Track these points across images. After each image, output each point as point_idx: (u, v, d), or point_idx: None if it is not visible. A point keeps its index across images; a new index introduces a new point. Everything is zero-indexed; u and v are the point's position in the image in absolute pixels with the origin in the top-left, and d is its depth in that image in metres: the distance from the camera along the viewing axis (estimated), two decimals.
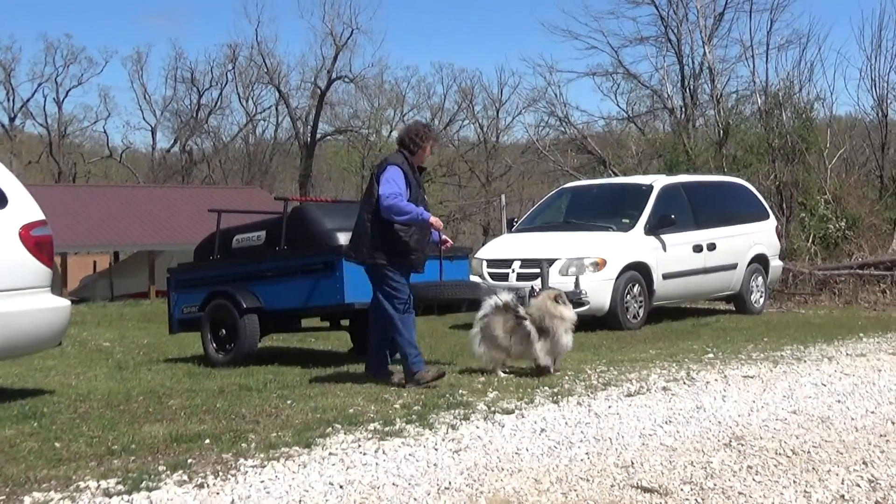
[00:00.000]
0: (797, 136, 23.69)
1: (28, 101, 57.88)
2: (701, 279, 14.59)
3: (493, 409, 7.07)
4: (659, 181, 14.98)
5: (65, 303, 7.91)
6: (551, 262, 12.73)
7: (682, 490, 5.05)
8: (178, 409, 7.19)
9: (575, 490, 5.07)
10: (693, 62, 28.94)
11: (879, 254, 19.99)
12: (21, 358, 8.77)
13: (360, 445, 5.96)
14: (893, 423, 6.74)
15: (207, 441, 6.04)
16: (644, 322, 13.50)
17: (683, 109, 29.10)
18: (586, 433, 6.33)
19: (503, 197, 28.62)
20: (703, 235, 14.61)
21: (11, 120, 57.36)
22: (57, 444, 6.02)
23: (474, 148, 55.92)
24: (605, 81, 36.07)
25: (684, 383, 8.26)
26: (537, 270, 12.30)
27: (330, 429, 6.40)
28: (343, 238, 9.47)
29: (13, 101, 57.16)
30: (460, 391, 7.78)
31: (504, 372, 8.68)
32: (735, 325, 13.60)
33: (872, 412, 7.10)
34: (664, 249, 13.92)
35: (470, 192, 53.31)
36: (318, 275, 9.54)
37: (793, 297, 18.14)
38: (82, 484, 5.10)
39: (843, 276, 18.52)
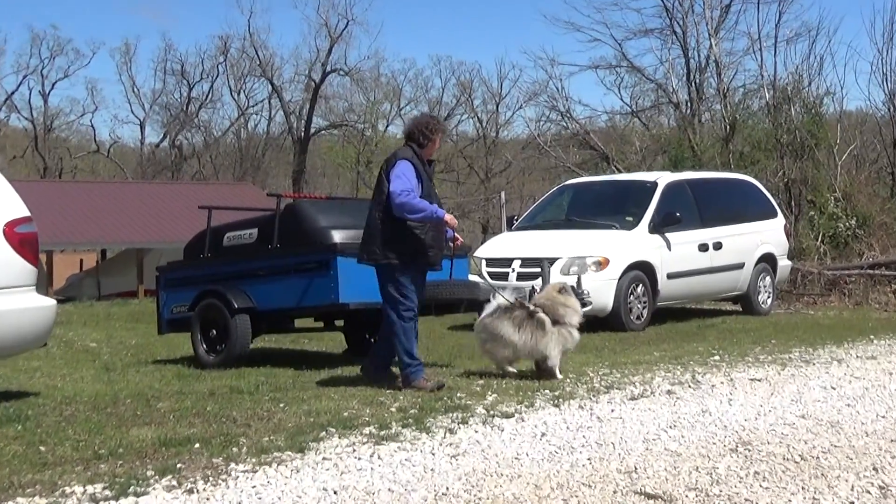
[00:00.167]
0: (806, 132, 23.69)
1: (13, 93, 57.92)
2: (707, 279, 14.59)
3: (492, 412, 7.07)
4: (663, 178, 14.98)
5: (50, 302, 7.91)
6: (552, 261, 12.75)
7: (686, 497, 5.05)
8: (167, 412, 7.19)
9: (576, 496, 5.07)
10: (699, 55, 28.98)
11: (891, 253, 19.98)
12: (5, 359, 8.76)
13: (354, 450, 5.96)
14: None
15: (197, 445, 6.04)
16: (648, 323, 13.51)
17: (689, 104, 29.10)
18: (588, 438, 6.33)
19: (503, 194, 28.58)
20: (708, 234, 14.61)
21: None
22: (42, 448, 6.01)
23: (473, 143, 56.01)
24: (608, 75, 36.04)
25: (689, 386, 8.27)
26: (538, 270, 12.33)
27: (324, 433, 6.39)
28: (338, 236, 9.48)
29: None
30: (458, 394, 7.78)
31: (510, 372, 8.65)
32: (742, 326, 13.61)
33: (883, 416, 7.11)
34: (669, 248, 13.93)
35: (469, 189, 53.37)
36: (311, 274, 9.55)
37: (801, 298, 18.15)
38: (68, 489, 5.10)
39: (853, 277, 18.52)
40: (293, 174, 53.42)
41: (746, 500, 5.00)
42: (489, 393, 7.82)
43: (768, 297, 15.75)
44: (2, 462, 5.67)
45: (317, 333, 11.94)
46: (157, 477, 5.32)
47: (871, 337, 12.10)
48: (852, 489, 5.19)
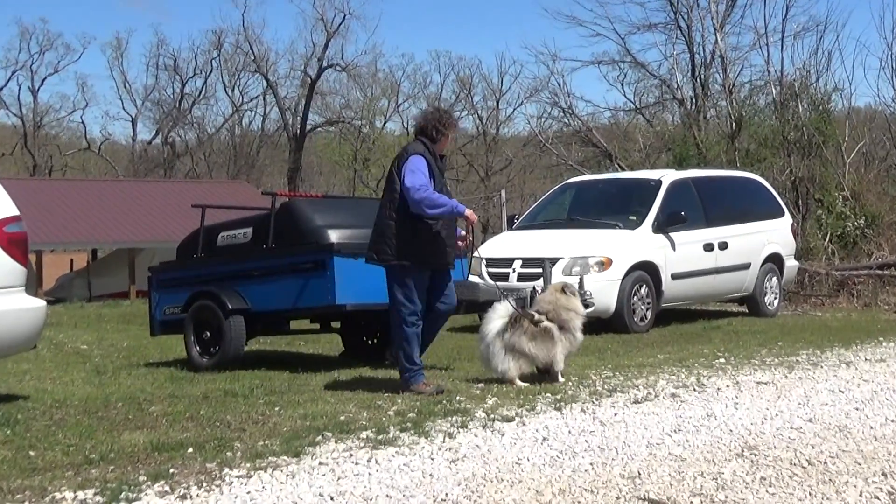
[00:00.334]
0: (814, 129, 23.69)
1: (1, 89, 58.00)
2: (712, 280, 14.60)
3: (492, 416, 7.08)
4: (668, 176, 14.99)
5: (40, 303, 7.90)
6: (554, 261, 12.76)
7: (691, 502, 5.06)
8: (160, 416, 7.19)
9: (578, 502, 5.07)
10: (704, 50, 28.96)
11: None
12: None
13: (351, 454, 5.96)
14: None
15: (190, 450, 6.04)
16: (652, 325, 13.51)
17: (694, 100, 29.10)
18: (591, 442, 6.34)
19: (503, 192, 28.57)
20: (714, 233, 14.62)
21: None
22: (31, 453, 6.01)
23: (473, 140, 56.01)
24: (611, 70, 36.07)
25: (694, 390, 8.27)
26: (539, 270, 12.34)
27: (320, 437, 6.40)
28: (335, 235, 9.48)
29: None
30: (458, 397, 7.78)
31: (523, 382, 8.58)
32: (748, 328, 13.62)
33: (893, 420, 7.11)
34: (673, 248, 13.93)
35: (468, 187, 53.36)
36: (307, 274, 9.54)
37: (809, 299, 18.16)
38: (58, 495, 5.10)
39: (861, 277, 18.54)
40: (288, 172, 53.43)
41: None
42: (489, 396, 7.83)
43: (775, 299, 15.76)
44: None
45: (313, 335, 11.93)
46: (149, 482, 5.32)
47: (881, 339, 12.11)
48: (861, 495, 5.20)
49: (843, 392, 8.22)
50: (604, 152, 29.37)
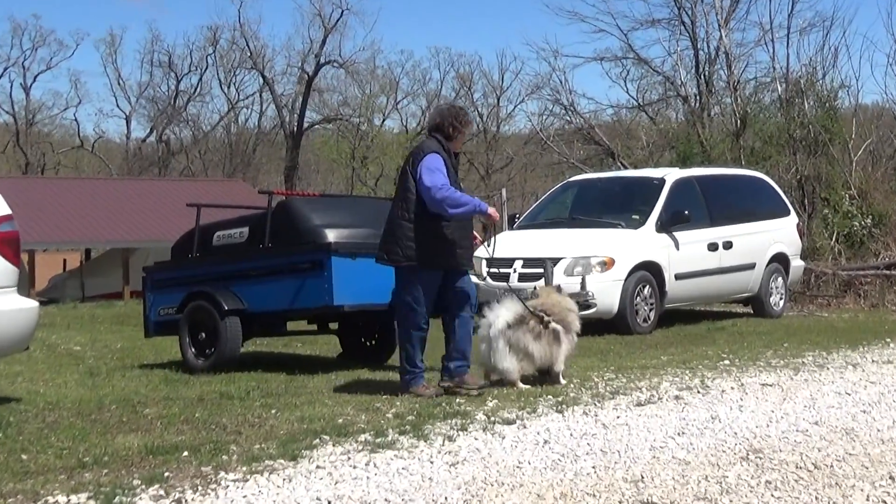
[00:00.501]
0: (820, 127, 23.71)
1: None
2: (716, 280, 14.60)
3: (492, 419, 7.08)
4: (671, 174, 15.00)
5: (32, 304, 7.90)
6: (556, 261, 12.76)
7: None
8: (155, 419, 7.19)
9: None
10: (708, 46, 28.98)
11: None
12: None
13: (349, 458, 5.96)
14: None
15: (185, 453, 6.04)
16: (655, 326, 13.52)
17: (698, 97, 29.12)
18: (593, 445, 6.34)
19: (504, 191, 28.56)
20: (718, 233, 14.62)
21: None
22: (24, 456, 6.01)
23: (473, 138, 55.83)
24: (613, 67, 36.01)
25: (698, 392, 8.27)
26: (541, 270, 12.34)
27: (317, 440, 6.40)
28: (332, 235, 9.49)
29: None
30: (457, 400, 7.78)
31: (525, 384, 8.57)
32: (753, 329, 13.62)
33: None
34: (677, 248, 13.94)
35: (468, 186, 53.13)
36: (304, 274, 9.55)
37: (815, 300, 18.17)
38: (51, 499, 5.10)
39: (868, 277, 18.55)
40: (285, 170, 53.41)
41: None
42: (489, 399, 7.83)
43: (780, 299, 15.76)
44: None
45: (310, 336, 11.93)
46: (143, 486, 5.32)
47: (888, 340, 12.12)
48: (867, 499, 5.20)
49: (849, 394, 8.22)
50: (606, 150, 29.38)
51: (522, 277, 12.93)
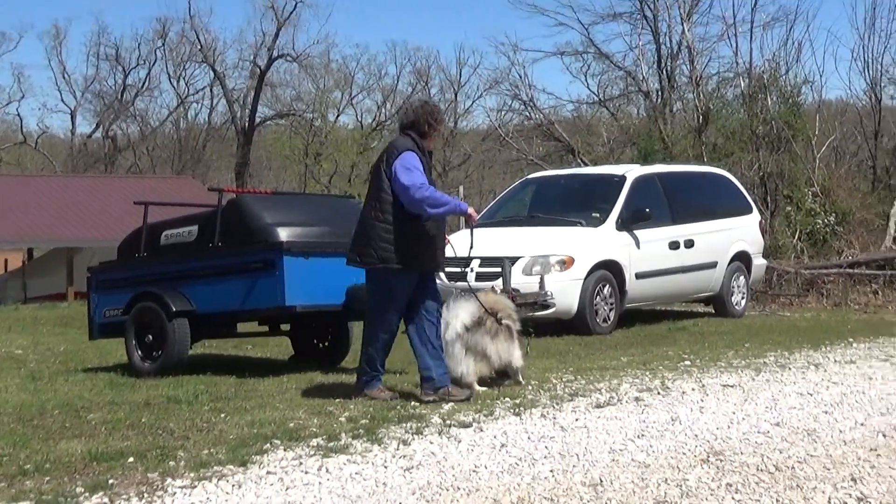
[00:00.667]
0: (783, 123, 23.93)
1: None
2: (677, 279, 14.69)
3: (448, 422, 7.09)
4: (632, 172, 15.07)
5: None
6: (514, 260, 12.75)
7: None
8: (99, 424, 7.14)
9: None
10: (671, 41, 29.21)
11: (871, 251, 20.27)
12: None
13: (301, 463, 5.95)
14: (884, 435, 6.83)
15: (131, 459, 6.00)
16: (615, 326, 13.57)
17: (660, 93, 29.32)
18: (551, 448, 6.36)
19: (461, 188, 28.70)
20: (680, 231, 14.70)
21: None
22: None
23: None
24: (574, 62, 36.02)
25: (658, 393, 8.32)
26: (499, 270, 12.34)
27: (268, 445, 6.38)
28: (284, 234, 9.45)
29: None
30: (412, 403, 7.78)
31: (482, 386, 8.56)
32: (714, 329, 13.71)
33: (862, 424, 7.19)
34: (637, 246, 14.00)
35: None
36: (255, 274, 9.51)
37: (777, 299, 18.34)
38: None
39: (831, 276, 18.75)
40: (236, 167, 53.13)
41: None
42: (445, 401, 7.83)
43: (742, 298, 15.88)
44: None
45: (261, 338, 11.88)
46: (87, 494, 5.28)
47: (850, 340, 12.25)
48: (829, 501, 5.26)
49: (811, 395, 8.30)
50: (566, 147, 29.50)
51: (480, 277, 12.93)
